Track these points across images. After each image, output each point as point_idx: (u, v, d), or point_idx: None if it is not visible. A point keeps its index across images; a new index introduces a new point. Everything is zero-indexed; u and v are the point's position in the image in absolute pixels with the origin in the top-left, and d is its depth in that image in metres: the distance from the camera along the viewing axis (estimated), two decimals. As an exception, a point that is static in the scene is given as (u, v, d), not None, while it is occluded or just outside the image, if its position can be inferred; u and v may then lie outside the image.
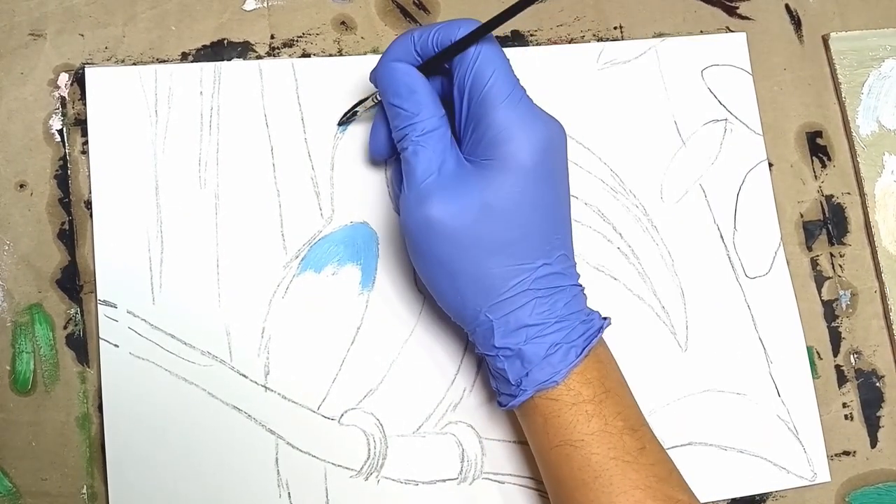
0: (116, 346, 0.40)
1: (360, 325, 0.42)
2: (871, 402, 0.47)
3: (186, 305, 0.41)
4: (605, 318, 0.38)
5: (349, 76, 0.44)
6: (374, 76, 0.39)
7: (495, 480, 0.42)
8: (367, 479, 0.41)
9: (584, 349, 0.37)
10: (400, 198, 0.38)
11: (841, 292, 0.48)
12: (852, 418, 0.46)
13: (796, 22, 0.50)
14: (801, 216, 0.48)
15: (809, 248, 0.48)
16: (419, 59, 0.38)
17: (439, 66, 0.38)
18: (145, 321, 0.40)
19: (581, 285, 0.38)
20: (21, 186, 0.41)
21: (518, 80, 0.37)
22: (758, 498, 0.44)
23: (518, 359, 0.36)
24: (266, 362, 0.41)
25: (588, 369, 0.37)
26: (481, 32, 0.37)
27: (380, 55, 0.44)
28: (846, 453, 0.46)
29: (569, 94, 0.46)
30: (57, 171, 0.41)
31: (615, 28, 0.48)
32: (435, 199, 0.36)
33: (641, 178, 0.46)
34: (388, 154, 0.41)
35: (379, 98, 0.40)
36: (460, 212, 0.36)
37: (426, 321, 0.43)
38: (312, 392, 0.41)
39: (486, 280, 0.36)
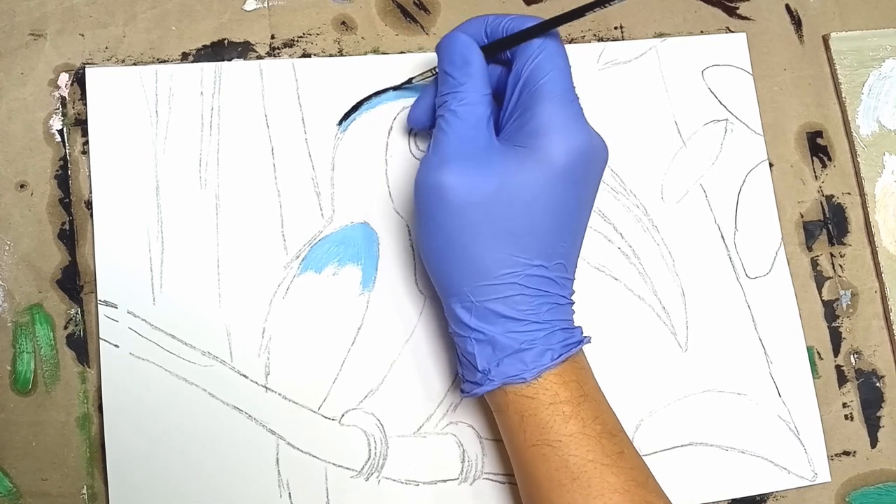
0: (117, 346, 0.40)
1: (361, 326, 0.42)
2: (872, 402, 0.47)
3: (187, 306, 0.41)
4: (586, 336, 0.38)
5: (349, 76, 0.44)
6: (438, 44, 0.39)
7: (496, 481, 0.42)
8: (367, 479, 0.41)
9: (561, 355, 0.36)
10: (422, 158, 0.38)
11: (841, 292, 0.48)
12: (852, 418, 0.46)
13: (796, 22, 0.50)
14: (802, 216, 0.48)
15: (810, 248, 0.48)
16: (486, 39, 0.39)
17: (502, 53, 0.39)
18: (146, 321, 0.40)
19: (572, 301, 0.38)
20: (21, 186, 0.41)
21: (574, 86, 0.37)
22: (758, 498, 0.44)
23: (490, 346, 0.36)
24: (266, 362, 0.41)
25: (566, 372, 0.37)
26: (549, 26, 0.37)
27: (380, 55, 0.45)
28: (846, 453, 0.46)
29: (569, 95, 0.46)
30: (57, 171, 0.41)
31: (615, 28, 0.48)
32: (454, 166, 0.36)
33: (642, 179, 0.46)
34: (426, 124, 0.42)
35: (436, 71, 0.41)
36: (476, 186, 0.36)
37: (427, 321, 0.43)
38: (313, 392, 0.41)
39: (479, 260, 0.36)
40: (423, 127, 0.42)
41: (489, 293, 0.36)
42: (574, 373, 0.37)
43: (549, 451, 0.36)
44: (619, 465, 0.36)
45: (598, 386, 0.38)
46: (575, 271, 0.38)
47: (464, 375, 0.38)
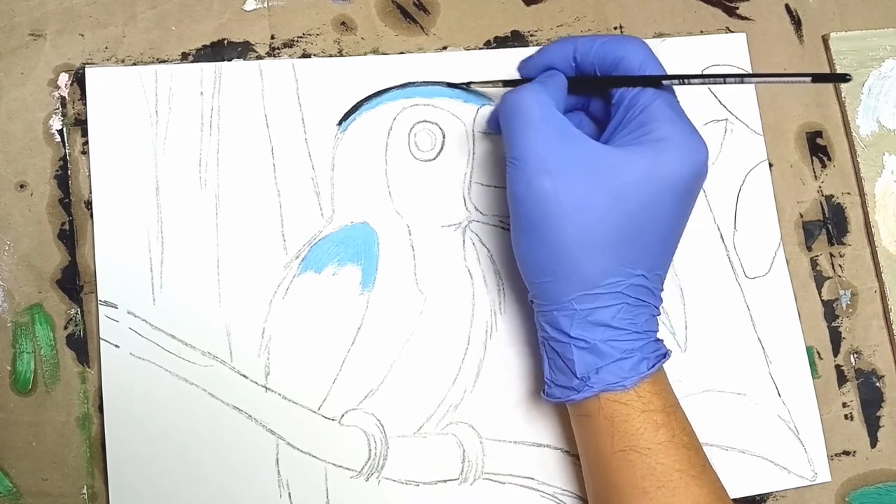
0: (117, 346, 0.40)
1: (361, 326, 0.42)
2: (871, 402, 0.47)
3: (187, 306, 0.41)
4: (669, 349, 0.38)
5: (349, 76, 0.44)
6: (524, 63, 0.41)
7: (496, 481, 0.42)
8: (367, 479, 0.41)
9: (655, 364, 0.36)
10: (514, 163, 0.37)
11: (841, 292, 0.48)
12: (852, 418, 0.46)
13: (796, 22, 0.50)
14: (801, 216, 0.48)
15: (809, 248, 0.48)
16: (574, 65, 0.39)
17: (596, 88, 0.39)
18: (146, 321, 0.40)
19: (660, 311, 0.38)
20: (21, 187, 0.41)
21: None
22: (758, 498, 0.44)
23: (591, 353, 0.36)
24: (266, 362, 0.41)
25: (658, 381, 0.37)
26: (659, 80, 0.37)
27: (380, 55, 0.45)
28: (846, 453, 0.46)
29: (569, 95, 0.46)
30: (57, 171, 0.41)
31: (615, 28, 0.48)
32: (562, 172, 0.35)
33: None
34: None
35: (501, 84, 0.43)
36: (586, 194, 0.35)
37: (427, 321, 0.43)
38: (313, 392, 0.41)
39: (585, 269, 0.36)
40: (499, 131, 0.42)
41: (593, 302, 0.36)
42: (663, 382, 0.37)
43: (637, 457, 0.36)
44: (703, 478, 0.36)
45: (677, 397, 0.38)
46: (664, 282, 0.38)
47: (554, 380, 0.38)
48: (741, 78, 0.36)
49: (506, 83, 0.43)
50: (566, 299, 0.36)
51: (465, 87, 0.44)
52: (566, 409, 0.40)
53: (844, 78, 0.33)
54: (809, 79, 0.34)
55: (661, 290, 0.38)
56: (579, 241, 0.35)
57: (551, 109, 0.37)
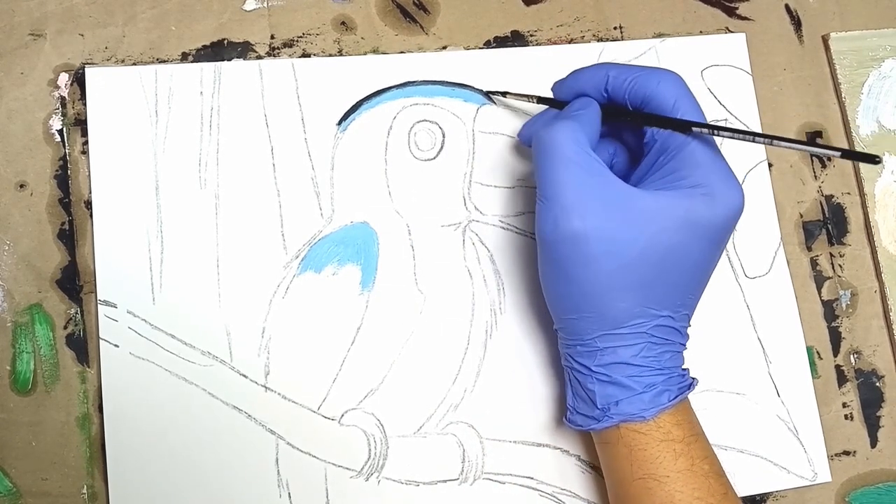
0: (116, 346, 0.40)
1: (361, 326, 0.42)
2: (871, 401, 0.47)
3: (187, 305, 0.41)
4: (694, 378, 0.38)
5: (349, 76, 0.44)
6: (558, 94, 0.40)
7: (496, 481, 0.42)
8: (367, 479, 0.41)
9: (677, 396, 0.36)
10: (543, 201, 0.36)
11: (841, 292, 0.48)
12: (852, 418, 0.46)
13: (796, 22, 0.50)
14: (801, 216, 0.48)
15: (809, 248, 0.48)
16: (605, 94, 0.38)
17: (624, 121, 0.39)
18: (145, 321, 0.40)
19: (686, 346, 0.38)
20: (21, 186, 0.41)
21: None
22: (758, 498, 0.44)
23: (612, 386, 0.36)
24: (266, 362, 0.41)
25: (680, 412, 0.37)
26: (685, 127, 0.36)
27: (380, 55, 0.45)
28: (846, 453, 0.46)
29: (569, 94, 0.46)
30: (57, 171, 0.41)
31: (615, 28, 0.48)
32: (593, 214, 0.34)
33: None
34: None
35: (535, 100, 0.42)
36: (618, 237, 0.34)
37: (427, 321, 0.43)
38: (313, 392, 0.41)
39: (609, 310, 0.35)
40: (530, 145, 0.40)
41: (616, 341, 0.36)
42: (685, 413, 0.37)
43: (656, 485, 0.36)
44: None
45: (701, 426, 0.38)
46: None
47: (575, 407, 0.38)
48: (771, 140, 0.35)
49: (540, 100, 0.42)
50: (589, 337, 0.36)
51: (501, 95, 0.44)
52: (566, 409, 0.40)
53: (874, 159, 0.32)
54: (839, 154, 0.33)
55: (689, 326, 0.38)
56: (606, 284, 0.35)
57: (585, 149, 0.35)
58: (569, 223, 0.35)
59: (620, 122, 0.39)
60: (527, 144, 0.43)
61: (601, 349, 0.36)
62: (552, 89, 0.41)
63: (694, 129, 0.36)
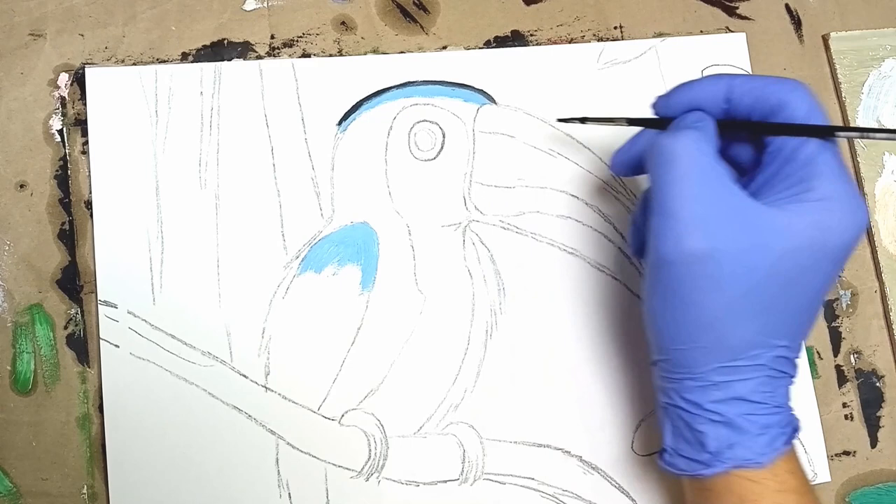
0: (117, 346, 0.40)
1: (361, 326, 0.42)
2: (871, 402, 0.47)
3: (187, 306, 0.41)
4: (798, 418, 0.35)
5: (349, 76, 0.44)
6: (663, 111, 0.37)
7: (496, 481, 0.42)
8: (367, 479, 0.41)
9: (790, 439, 0.34)
10: (668, 215, 0.32)
11: (841, 292, 0.48)
12: (852, 418, 0.46)
13: (796, 22, 0.50)
14: (802, 216, 0.48)
15: (809, 248, 0.48)
16: (726, 106, 0.35)
17: (747, 133, 0.36)
18: (146, 321, 0.40)
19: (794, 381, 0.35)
20: (21, 186, 0.41)
21: None
22: (758, 498, 0.44)
23: (727, 428, 0.33)
24: (266, 362, 0.41)
25: (793, 459, 0.34)
26: (828, 132, 0.33)
27: (380, 55, 0.45)
28: (846, 453, 0.46)
29: (569, 95, 0.46)
30: (57, 171, 0.41)
31: (615, 28, 0.48)
32: (721, 232, 0.32)
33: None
34: (630, 173, 0.38)
35: (619, 123, 0.39)
36: (748, 257, 0.32)
37: (427, 321, 0.43)
38: (313, 392, 0.41)
39: (728, 339, 0.33)
40: (626, 174, 0.39)
41: (733, 374, 0.33)
42: (797, 460, 0.34)
43: None
44: None
45: None
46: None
47: (677, 449, 0.35)
48: None
49: (631, 122, 0.39)
50: (702, 370, 0.33)
51: (579, 121, 0.41)
52: (566, 411, 0.40)
53: None
54: None
55: (798, 357, 0.35)
56: (729, 310, 0.32)
57: (713, 161, 0.33)
58: (695, 242, 0.32)
59: (740, 136, 0.36)
60: (621, 175, 0.40)
61: (716, 384, 0.33)
62: (654, 105, 0.38)
63: (838, 133, 0.34)
